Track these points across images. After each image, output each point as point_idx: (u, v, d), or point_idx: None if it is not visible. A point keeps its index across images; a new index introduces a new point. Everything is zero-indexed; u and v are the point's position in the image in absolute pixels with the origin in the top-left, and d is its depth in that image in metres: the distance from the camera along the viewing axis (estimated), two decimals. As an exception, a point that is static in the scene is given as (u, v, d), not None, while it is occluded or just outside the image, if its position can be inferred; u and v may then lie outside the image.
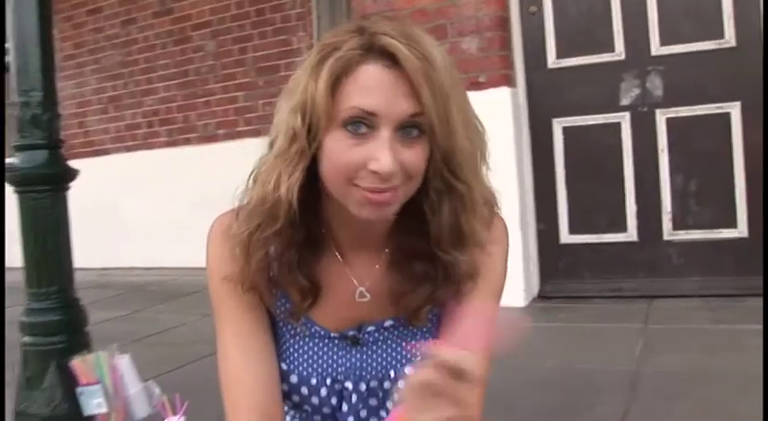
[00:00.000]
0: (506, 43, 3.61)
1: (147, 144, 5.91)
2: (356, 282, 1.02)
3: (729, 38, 3.37)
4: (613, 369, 2.48)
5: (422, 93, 0.86)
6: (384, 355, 1.05)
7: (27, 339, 2.05)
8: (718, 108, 3.41)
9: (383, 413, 1.05)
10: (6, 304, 2.34)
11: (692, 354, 2.56)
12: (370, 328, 1.04)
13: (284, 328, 1.04)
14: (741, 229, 3.39)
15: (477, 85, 3.57)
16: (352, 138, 0.88)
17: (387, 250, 1.02)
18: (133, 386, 1.83)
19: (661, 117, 3.51)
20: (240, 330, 1.00)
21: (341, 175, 0.89)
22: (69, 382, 1.86)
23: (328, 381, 1.03)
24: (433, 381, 0.68)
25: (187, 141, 5.76)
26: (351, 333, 1.04)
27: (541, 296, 3.71)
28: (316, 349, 1.04)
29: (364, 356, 1.05)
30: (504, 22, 3.59)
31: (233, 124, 5.50)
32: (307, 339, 1.04)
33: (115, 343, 1.87)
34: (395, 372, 1.04)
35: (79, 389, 1.73)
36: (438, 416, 0.68)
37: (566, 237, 3.73)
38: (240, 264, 0.97)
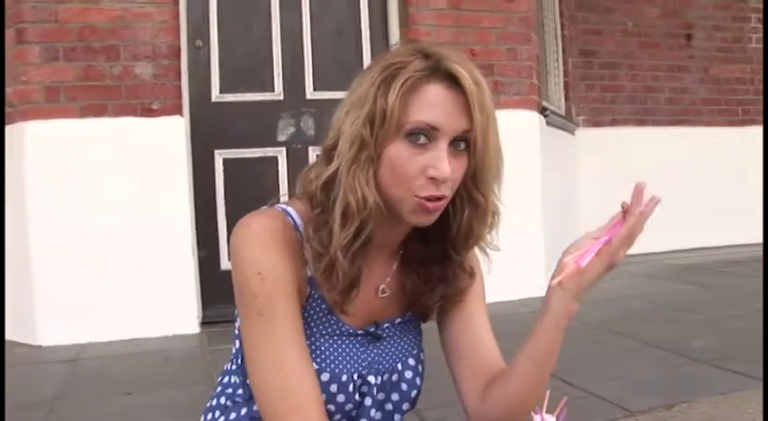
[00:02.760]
0: (180, 73, 3.64)
1: None
2: (378, 280, 1.12)
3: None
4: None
5: (474, 112, 0.99)
6: (393, 350, 1.17)
7: None
8: (362, 148, 4.00)
9: (388, 406, 1.15)
10: None
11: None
12: (386, 325, 1.16)
13: (315, 329, 1.08)
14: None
15: (150, 112, 3.53)
16: (413, 147, 0.99)
17: (401, 251, 1.15)
18: None
19: (313, 154, 3.94)
20: (294, 330, 1.01)
21: (400, 181, 1.00)
22: None
23: (355, 377, 1.10)
24: None
25: None
26: (372, 329, 1.14)
27: (204, 322, 3.78)
28: (344, 346, 1.10)
29: (379, 350, 1.15)
30: (179, 52, 3.62)
31: None
32: (336, 338, 1.09)
33: None
34: (401, 365, 1.16)
35: None
36: None
37: (226, 263, 3.87)
38: (296, 267, 1.02)
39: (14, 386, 2.79)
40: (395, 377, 1.15)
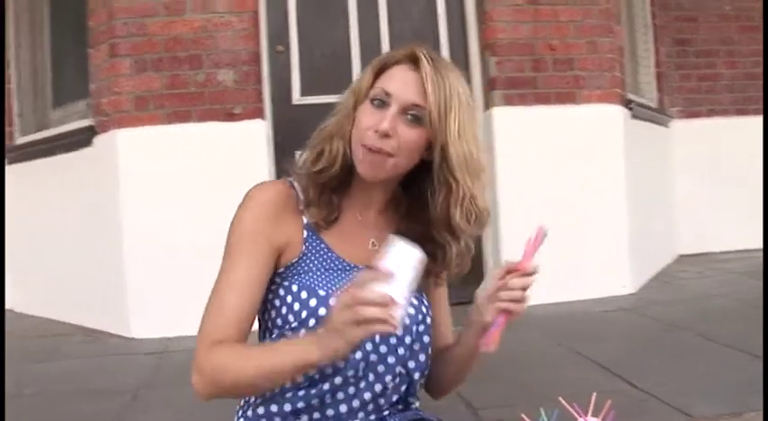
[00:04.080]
0: (260, 78, 3.79)
1: None
2: (368, 235, 1.28)
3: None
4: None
5: (427, 90, 1.16)
6: None
7: None
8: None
9: (392, 339, 1.24)
10: None
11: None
12: None
13: (319, 264, 1.24)
14: (459, 249, 4.03)
15: (232, 117, 3.69)
16: (372, 108, 1.19)
17: (387, 210, 1.30)
18: None
19: (393, 152, 4.01)
20: (248, 275, 1.19)
21: (357, 133, 1.19)
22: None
23: None
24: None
25: None
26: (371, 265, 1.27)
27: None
28: (346, 276, 1.23)
29: None
30: (258, 58, 3.77)
31: None
32: (338, 272, 1.24)
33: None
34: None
35: None
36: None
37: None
38: (286, 222, 1.22)
39: (104, 374, 3.03)
40: None
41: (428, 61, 1.18)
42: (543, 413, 1.25)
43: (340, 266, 1.24)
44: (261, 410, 1.24)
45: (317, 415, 1.21)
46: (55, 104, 4.42)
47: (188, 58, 3.65)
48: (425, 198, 1.23)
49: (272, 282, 1.23)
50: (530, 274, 1.17)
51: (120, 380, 2.90)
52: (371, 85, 1.21)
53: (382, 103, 1.18)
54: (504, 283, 1.17)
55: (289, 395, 1.21)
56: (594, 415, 1.24)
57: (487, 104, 3.93)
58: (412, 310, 1.25)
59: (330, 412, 1.21)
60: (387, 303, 0.99)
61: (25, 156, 4.41)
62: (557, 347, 3.02)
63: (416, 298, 1.28)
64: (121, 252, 3.60)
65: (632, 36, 4.97)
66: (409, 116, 1.17)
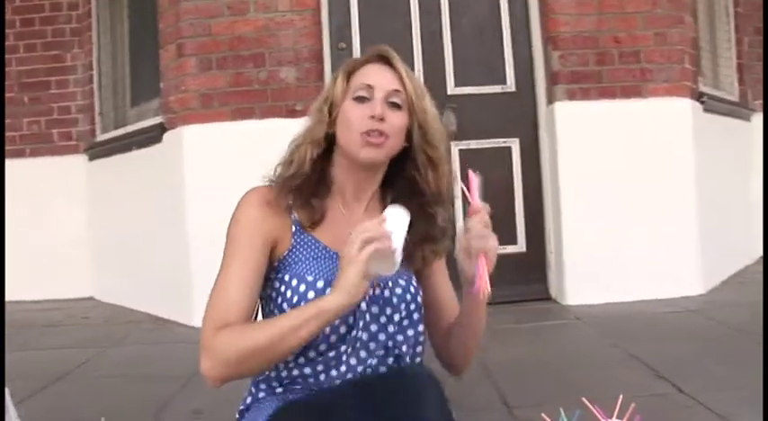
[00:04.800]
0: (322, 75, 3.85)
1: None
2: (354, 227, 1.33)
3: (511, 84, 3.98)
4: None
5: (403, 78, 1.32)
6: None
7: None
8: (501, 142, 3.99)
9: (383, 319, 1.33)
10: None
11: (521, 347, 3.02)
12: None
13: (306, 254, 1.33)
14: (520, 245, 3.99)
15: (294, 113, 3.77)
16: (358, 102, 1.32)
17: (371, 203, 1.41)
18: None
19: (454, 148, 3.99)
20: (245, 265, 1.28)
21: (348, 127, 1.30)
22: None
23: None
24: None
25: (-72, 160, 5.08)
26: None
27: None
28: (332, 264, 1.31)
29: None
30: (320, 55, 3.84)
31: (-10, 142, 4.98)
32: (326, 260, 1.33)
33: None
34: (392, 283, 1.34)
35: None
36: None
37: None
38: (277, 218, 1.32)
39: (163, 360, 3.16)
40: (386, 292, 1.33)
41: (401, 61, 1.34)
42: (563, 413, 1.24)
43: (327, 255, 1.33)
44: (263, 385, 1.36)
45: (311, 380, 1.30)
46: (132, 103, 4.63)
47: (251, 56, 3.75)
48: (410, 185, 1.36)
49: (267, 278, 1.32)
50: (481, 211, 1.27)
51: (177, 366, 3.01)
52: (346, 88, 1.33)
53: (364, 97, 1.31)
54: (468, 230, 1.26)
55: (290, 364, 1.30)
56: (620, 417, 1.22)
57: (550, 99, 3.85)
58: (399, 290, 1.33)
59: (322, 377, 1.30)
60: (385, 233, 1.16)
61: (105, 152, 4.64)
62: (610, 348, 2.94)
63: (404, 279, 1.35)
64: (187, 244, 3.74)
65: (712, 26, 4.76)
66: (392, 102, 1.31)
